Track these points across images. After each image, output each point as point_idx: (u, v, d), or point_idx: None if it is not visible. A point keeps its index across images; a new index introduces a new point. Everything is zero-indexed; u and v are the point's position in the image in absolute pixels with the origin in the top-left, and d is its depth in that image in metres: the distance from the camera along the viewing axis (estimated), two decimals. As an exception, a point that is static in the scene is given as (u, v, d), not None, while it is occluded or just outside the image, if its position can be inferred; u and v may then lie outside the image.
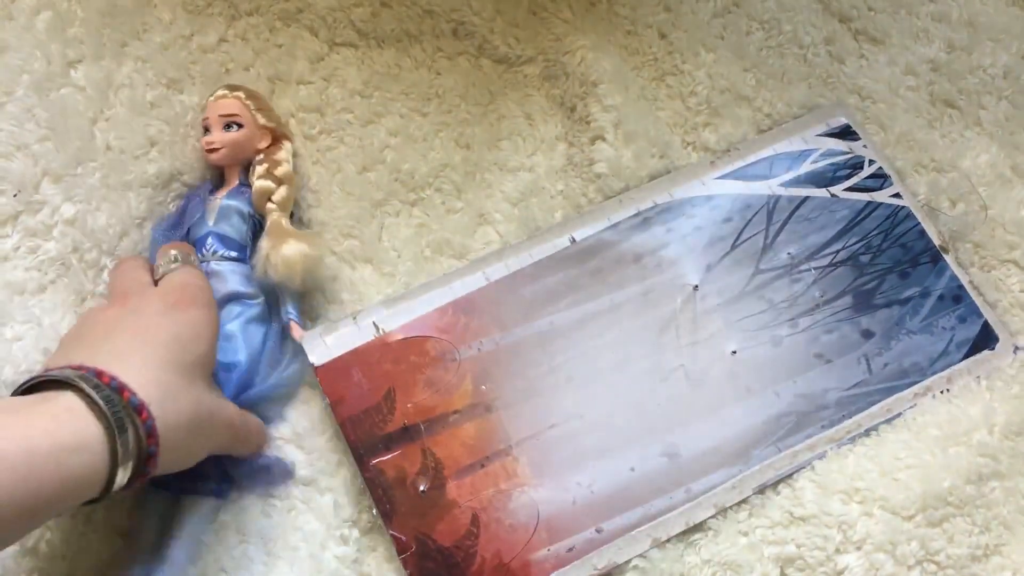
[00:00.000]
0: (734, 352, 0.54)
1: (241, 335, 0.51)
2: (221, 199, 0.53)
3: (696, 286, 0.56)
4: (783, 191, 0.58)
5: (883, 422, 0.53)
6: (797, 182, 0.58)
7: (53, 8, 0.56)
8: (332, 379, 0.52)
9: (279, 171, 0.54)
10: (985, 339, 0.56)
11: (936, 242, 0.58)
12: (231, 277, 0.52)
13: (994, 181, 0.60)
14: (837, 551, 0.50)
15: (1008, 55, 0.63)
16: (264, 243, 0.52)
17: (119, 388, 0.39)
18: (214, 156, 0.54)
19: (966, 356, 0.55)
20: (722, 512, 0.51)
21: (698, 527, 0.51)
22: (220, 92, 0.55)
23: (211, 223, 0.53)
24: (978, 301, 0.57)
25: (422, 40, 0.61)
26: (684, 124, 0.60)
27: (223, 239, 0.53)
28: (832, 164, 0.59)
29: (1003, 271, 0.58)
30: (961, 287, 0.57)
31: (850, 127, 0.60)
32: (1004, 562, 0.50)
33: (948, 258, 0.57)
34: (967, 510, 0.51)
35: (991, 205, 0.59)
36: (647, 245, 0.56)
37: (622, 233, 0.57)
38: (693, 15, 0.62)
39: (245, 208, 0.53)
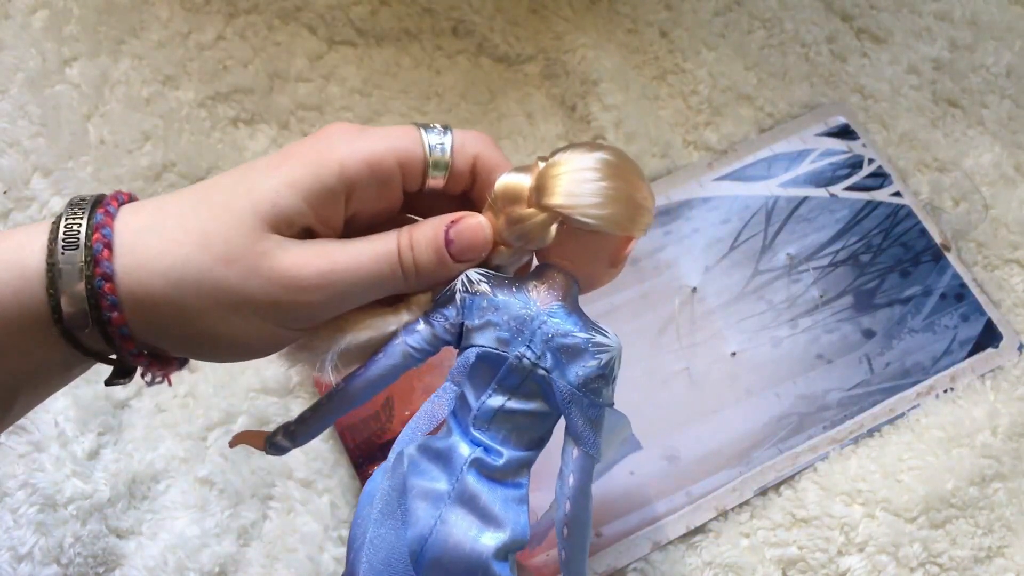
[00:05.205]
0: (734, 354, 0.54)
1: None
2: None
3: (695, 288, 0.55)
4: (782, 191, 0.58)
5: (886, 422, 0.53)
6: (796, 182, 0.58)
7: (50, 7, 0.56)
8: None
9: None
10: (989, 337, 0.55)
11: (937, 240, 0.57)
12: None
13: (997, 180, 0.60)
14: (839, 553, 0.50)
15: (1011, 54, 0.63)
16: None
17: (98, 202, 0.32)
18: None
19: (969, 354, 0.55)
20: (723, 514, 0.51)
21: (699, 529, 0.50)
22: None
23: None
24: (981, 299, 0.56)
25: (421, 38, 0.61)
26: (685, 123, 0.60)
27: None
28: (831, 164, 0.59)
29: (1006, 271, 0.58)
30: (963, 285, 0.56)
31: (849, 126, 0.60)
32: (1007, 564, 0.50)
33: (950, 256, 0.57)
34: (970, 512, 0.51)
35: (994, 205, 0.59)
36: (644, 248, 0.56)
37: (619, 236, 0.56)
38: (694, 13, 0.62)
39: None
